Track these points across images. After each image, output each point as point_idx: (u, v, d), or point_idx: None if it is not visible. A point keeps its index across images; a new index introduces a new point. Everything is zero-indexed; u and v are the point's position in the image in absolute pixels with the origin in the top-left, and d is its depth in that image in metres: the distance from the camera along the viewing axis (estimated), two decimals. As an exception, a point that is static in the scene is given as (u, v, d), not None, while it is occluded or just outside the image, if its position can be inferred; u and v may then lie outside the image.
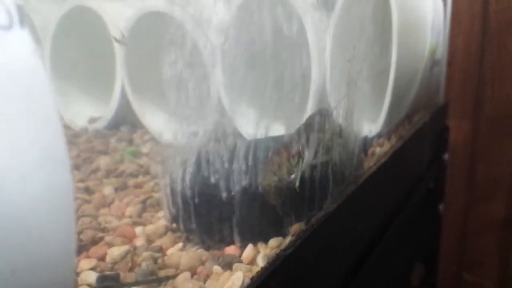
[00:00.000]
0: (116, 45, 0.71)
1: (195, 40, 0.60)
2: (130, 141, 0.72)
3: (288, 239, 0.40)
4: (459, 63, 1.06)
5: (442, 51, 0.92)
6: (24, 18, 0.23)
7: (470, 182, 1.09)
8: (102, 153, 0.67)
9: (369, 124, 0.63)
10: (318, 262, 0.42)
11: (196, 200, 0.38)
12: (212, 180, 0.38)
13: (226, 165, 0.38)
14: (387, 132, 0.65)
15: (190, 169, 0.39)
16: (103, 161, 0.63)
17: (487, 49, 1.04)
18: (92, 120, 0.77)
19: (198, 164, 0.40)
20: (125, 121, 0.76)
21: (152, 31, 0.67)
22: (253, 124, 0.56)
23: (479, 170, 1.08)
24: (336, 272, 0.48)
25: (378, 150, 0.61)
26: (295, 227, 0.41)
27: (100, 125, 0.76)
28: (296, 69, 0.48)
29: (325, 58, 0.58)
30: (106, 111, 0.75)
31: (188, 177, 0.39)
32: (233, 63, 0.57)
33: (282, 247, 0.39)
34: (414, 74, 0.72)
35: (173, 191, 0.41)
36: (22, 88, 0.22)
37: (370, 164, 0.56)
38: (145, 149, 0.68)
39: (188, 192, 0.39)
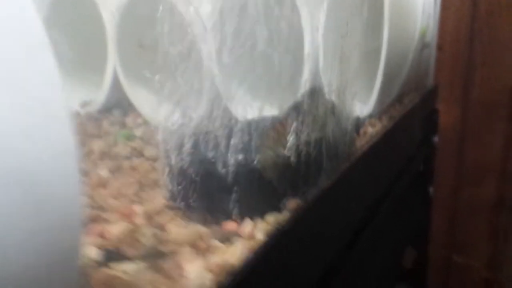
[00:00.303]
0: (108, 27, 0.71)
1: (188, 20, 0.60)
2: (123, 125, 0.72)
3: (285, 215, 0.41)
4: (449, 47, 1.07)
5: (432, 34, 0.92)
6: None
7: (459, 165, 1.10)
8: (95, 137, 0.67)
9: (361, 105, 0.64)
10: (313, 237, 0.43)
11: (194, 177, 0.38)
12: (210, 157, 0.38)
13: (222, 142, 0.39)
14: (379, 112, 0.65)
15: (187, 146, 0.40)
16: (96, 144, 0.63)
17: (477, 33, 1.05)
18: (84, 104, 0.77)
19: (195, 143, 0.40)
20: (117, 104, 0.76)
21: (144, 13, 0.67)
22: (246, 106, 0.57)
23: (468, 153, 1.09)
24: (330, 248, 0.48)
25: (370, 130, 0.62)
26: (292, 203, 0.42)
27: (92, 108, 0.75)
28: (289, 47, 0.48)
29: (318, 35, 0.58)
30: (98, 95, 0.75)
31: (185, 155, 0.39)
32: (226, 43, 0.57)
33: (280, 222, 0.39)
34: (405, 56, 0.73)
35: (170, 169, 0.41)
36: (21, 44, 0.22)
37: (362, 143, 0.57)
38: (138, 132, 0.68)
39: (186, 170, 0.39)
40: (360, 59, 0.55)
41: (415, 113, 0.80)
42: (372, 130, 0.62)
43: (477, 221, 1.11)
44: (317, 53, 0.58)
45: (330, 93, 0.48)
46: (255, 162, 0.38)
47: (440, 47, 1.03)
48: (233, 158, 0.38)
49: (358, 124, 0.58)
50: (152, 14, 0.62)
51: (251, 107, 0.56)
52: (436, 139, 0.99)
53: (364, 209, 0.59)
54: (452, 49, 1.07)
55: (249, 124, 0.41)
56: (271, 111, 0.49)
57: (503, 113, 1.05)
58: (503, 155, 1.06)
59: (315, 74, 0.58)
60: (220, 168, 0.38)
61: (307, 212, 0.40)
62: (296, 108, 0.47)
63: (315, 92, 0.48)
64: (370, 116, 0.63)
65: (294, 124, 0.44)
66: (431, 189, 1.01)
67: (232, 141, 0.39)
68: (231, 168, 0.38)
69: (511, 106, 1.04)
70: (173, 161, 0.41)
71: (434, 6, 0.90)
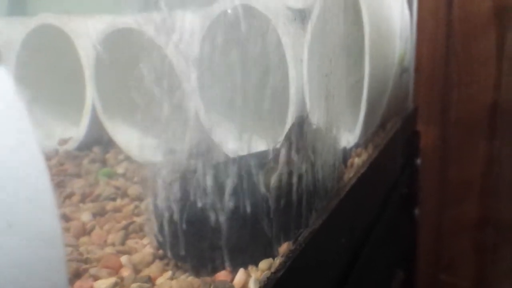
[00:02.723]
0: (84, 63, 0.69)
1: (168, 55, 0.59)
2: (104, 162, 0.70)
3: (278, 260, 0.39)
4: (425, 69, 1.09)
5: (409, 58, 0.93)
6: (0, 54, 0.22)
7: (442, 185, 1.11)
8: (75, 176, 0.65)
9: (347, 134, 0.63)
10: (307, 280, 0.42)
11: (184, 225, 0.37)
12: (199, 203, 0.37)
13: (212, 186, 0.37)
14: (364, 141, 0.65)
15: (175, 191, 0.38)
16: (76, 185, 0.61)
17: (452, 54, 1.06)
18: (62, 142, 0.75)
19: (183, 186, 0.39)
20: (97, 141, 0.74)
21: (121, 47, 0.66)
22: (234, 139, 0.56)
23: (450, 173, 1.10)
24: (325, 284, 0.47)
25: (356, 160, 0.61)
26: (284, 247, 0.41)
27: (71, 146, 0.73)
28: (274, 81, 0.47)
29: (302, 70, 0.57)
30: (76, 132, 0.73)
31: (174, 201, 0.38)
32: (209, 77, 0.56)
33: (272, 269, 0.38)
34: (386, 83, 0.73)
35: (158, 216, 0.39)
36: (4, 131, 0.21)
37: (350, 175, 0.57)
38: (120, 169, 0.66)
39: (175, 217, 0.37)
40: (344, 92, 0.55)
41: (397, 138, 0.81)
42: (359, 161, 0.61)
43: (462, 240, 1.11)
44: (301, 85, 0.58)
45: (318, 129, 0.48)
46: (246, 209, 0.37)
47: (417, 69, 1.04)
48: (225, 205, 0.36)
49: (346, 155, 0.57)
50: (130, 49, 0.60)
51: (238, 140, 0.55)
52: (418, 161, 0.99)
53: (354, 241, 0.58)
54: (429, 70, 1.09)
55: (239, 164, 0.40)
56: (260, 143, 0.49)
57: (482, 130, 1.06)
58: (484, 172, 1.08)
59: (301, 107, 0.58)
60: (210, 215, 0.37)
61: (300, 255, 0.39)
62: (287, 141, 0.46)
63: (303, 126, 0.48)
64: (357, 146, 0.62)
65: (284, 160, 0.43)
66: (416, 211, 1.01)
67: (221, 185, 0.38)
68: (222, 216, 0.36)
69: (489, 123, 1.05)
70: (160, 208, 0.40)
71: (410, 29, 0.91)
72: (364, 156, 0.63)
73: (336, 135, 0.52)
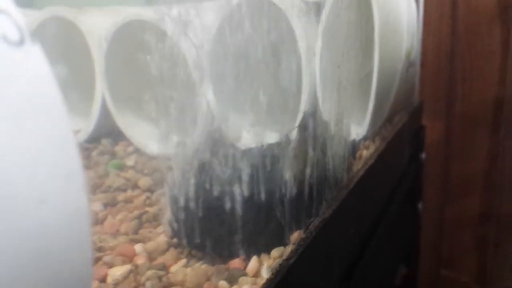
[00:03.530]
0: (95, 55, 0.69)
1: (180, 47, 0.59)
2: (113, 154, 0.70)
3: (289, 248, 0.40)
4: (430, 64, 1.09)
5: (416, 53, 0.93)
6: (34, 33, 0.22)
7: (445, 179, 1.11)
8: (84, 168, 0.65)
9: (356, 127, 0.64)
10: (317, 268, 0.43)
11: (200, 214, 0.38)
12: (215, 192, 0.38)
13: (227, 176, 0.38)
14: (372, 134, 0.65)
15: (191, 181, 0.39)
16: (87, 176, 0.61)
17: (457, 49, 1.06)
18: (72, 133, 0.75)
19: (197, 176, 0.39)
20: (106, 133, 0.74)
21: (133, 40, 0.66)
22: (245, 132, 0.56)
23: (453, 168, 1.10)
24: (334, 276, 0.48)
25: (365, 152, 0.62)
26: (295, 235, 0.41)
27: (80, 138, 0.74)
28: (286, 74, 0.48)
29: (315, 62, 0.58)
30: (86, 124, 0.73)
31: (189, 190, 0.38)
32: (222, 70, 0.56)
33: (284, 256, 0.39)
34: (394, 77, 0.74)
35: (173, 205, 0.40)
36: (38, 109, 0.21)
37: (358, 167, 0.57)
38: (129, 161, 0.66)
39: (190, 206, 0.38)
40: (355, 84, 0.55)
41: (404, 132, 0.81)
42: (367, 153, 0.62)
43: (464, 235, 1.12)
44: (314, 78, 0.58)
45: (329, 121, 0.48)
46: (260, 197, 0.38)
47: (423, 64, 1.04)
48: (239, 193, 0.37)
49: (355, 148, 0.58)
50: (141, 41, 0.61)
51: (250, 133, 0.55)
52: (423, 155, 0.99)
53: (362, 232, 0.59)
54: (434, 65, 1.09)
55: (253, 155, 0.41)
56: (271, 136, 0.49)
57: (486, 126, 1.06)
58: (487, 168, 1.08)
59: (313, 101, 0.58)
60: (225, 203, 0.37)
61: (310, 244, 0.39)
62: (301, 131, 0.47)
63: (315, 117, 0.48)
64: (365, 138, 0.63)
65: (297, 151, 0.44)
66: (420, 205, 1.02)
67: (236, 175, 0.38)
68: (237, 204, 0.37)
69: (493, 119, 1.05)
70: (174, 196, 0.40)
71: (417, 25, 0.91)
72: (372, 148, 0.64)
73: (346, 127, 0.53)
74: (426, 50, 1.06)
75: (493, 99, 1.04)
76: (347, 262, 0.53)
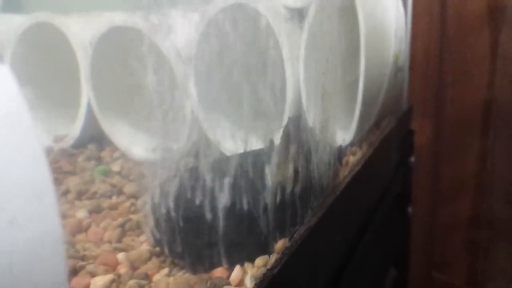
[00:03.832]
0: (80, 61, 0.69)
1: (165, 53, 0.59)
2: (99, 160, 0.70)
3: (274, 257, 0.40)
4: (419, 67, 1.09)
5: (404, 57, 0.94)
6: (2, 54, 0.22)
7: (435, 183, 1.12)
8: (70, 174, 0.65)
9: (342, 132, 0.64)
10: (302, 277, 0.42)
11: (181, 223, 0.37)
12: (197, 201, 0.37)
13: (209, 184, 0.38)
14: (359, 140, 0.65)
15: (172, 189, 0.38)
16: (72, 182, 0.61)
17: (446, 52, 1.07)
18: (58, 139, 0.75)
19: (180, 183, 0.39)
20: (92, 138, 0.74)
21: (119, 45, 0.66)
22: (230, 138, 0.56)
23: (443, 171, 1.11)
24: (319, 284, 0.48)
25: (351, 159, 0.62)
26: (280, 244, 0.41)
27: (66, 143, 0.73)
28: (271, 80, 0.47)
29: (299, 69, 0.58)
30: (72, 129, 0.73)
31: (171, 198, 0.38)
32: (206, 75, 0.56)
33: (268, 265, 0.39)
34: (381, 82, 0.74)
35: (155, 214, 0.40)
36: (7, 130, 0.21)
37: (345, 173, 0.57)
38: (115, 167, 0.66)
39: (172, 215, 0.38)
40: (341, 90, 0.55)
41: (392, 137, 0.81)
42: (354, 159, 0.61)
43: (455, 238, 1.12)
44: (298, 84, 0.58)
45: (314, 127, 0.48)
46: (243, 206, 0.37)
47: (411, 67, 1.04)
48: (222, 202, 0.37)
49: (341, 154, 0.58)
50: (127, 47, 0.60)
51: (235, 138, 0.55)
52: (412, 159, 0.99)
53: (349, 238, 0.59)
54: (423, 68, 1.09)
55: (237, 162, 0.40)
56: (256, 141, 0.49)
57: (475, 129, 1.07)
58: (477, 171, 1.08)
59: (298, 107, 0.58)
60: (207, 212, 0.37)
61: (295, 252, 0.39)
62: (284, 137, 0.46)
63: (299, 123, 0.48)
64: (352, 144, 0.62)
65: (281, 158, 0.43)
66: (409, 209, 1.02)
67: (219, 183, 0.38)
68: (219, 213, 0.37)
69: (482, 122, 1.06)
70: (157, 206, 0.40)
71: (405, 29, 0.91)
72: (359, 154, 0.64)
73: (332, 133, 0.52)
74: (415, 53, 1.06)
75: (483, 101, 1.04)
76: (333, 269, 0.53)
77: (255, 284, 0.35)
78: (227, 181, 0.37)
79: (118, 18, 0.63)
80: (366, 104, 0.64)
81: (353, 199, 0.58)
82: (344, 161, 0.59)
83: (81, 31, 0.69)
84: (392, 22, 0.76)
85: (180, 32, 0.59)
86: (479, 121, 1.05)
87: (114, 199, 0.55)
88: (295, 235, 0.41)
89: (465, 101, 1.06)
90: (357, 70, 0.63)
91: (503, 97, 1.01)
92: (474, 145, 1.07)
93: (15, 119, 0.21)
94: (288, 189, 0.42)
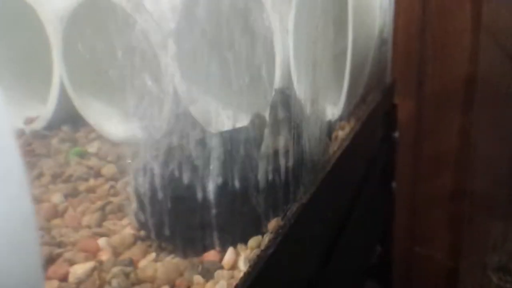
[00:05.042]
0: (51, 37, 0.65)
1: (143, 26, 0.55)
2: (74, 141, 0.66)
3: (267, 237, 0.37)
4: (401, 41, 1.07)
5: (388, 30, 0.92)
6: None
7: (417, 158, 1.11)
8: (43, 156, 0.61)
9: (331, 107, 0.61)
10: (295, 256, 0.40)
11: (169, 204, 0.34)
12: (185, 180, 0.34)
13: (198, 162, 0.35)
14: (347, 114, 0.63)
15: (157, 169, 0.35)
16: (46, 165, 0.57)
17: (428, 27, 1.05)
18: (29, 121, 0.70)
19: (165, 163, 0.36)
20: (66, 119, 0.70)
21: (93, 20, 0.61)
22: (216, 115, 0.53)
23: (425, 146, 1.10)
24: (312, 263, 0.46)
25: (340, 133, 0.60)
26: (273, 223, 0.39)
27: (38, 125, 0.69)
28: (258, 53, 0.45)
29: (288, 40, 0.55)
30: (44, 110, 0.68)
31: (156, 179, 0.35)
32: (188, 49, 0.53)
33: (262, 246, 0.36)
34: (367, 54, 0.71)
35: (139, 195, 0.37)
36: None
37: (334, 148, 0.55)
38: (91, 148, 0.62)
39: (158, 195, 0.35)
40: (329, 62, 0.53)
41: (378, 111, 0.79)
42: (342, 134, 0.59)
43: (437, 212, 1.12)
44: (287, 56, 0.55)
45: (305, 101, 0.45)
46: (235, 185, 0.35)
47: (394, 42, 1.03)
48: (212, 181, 0.34)
49: (330, 128, 0.56)
50: (100, 22, 0.56)
51: (220, 116, 0.52)
52: (396, 134, 0.98)
53: (339, 215, 0.57)
54: (405, 43, 1.07)
55: (225, 139, 0.37)
56: (243, 118, 0.46)
57: (457, 104, 1.06)
58: (458, 145, 1.08)
59: (287, 76, 0.55)
60: (196, 192, 0.34)
61: (289, 231, 0.37)
62: (272, 112, 0.44)
63: (289, 95, 0.45)
64: (340, 118, 0.60)
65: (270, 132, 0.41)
66: (393, 184, 1.01)
67: (208, 161, 0.35)
68: (210, 192, 0.34)
69: (464, 97, 1.05)
70: (140, 185, 0.37)
71: (389, 1, 0.89)
72: (347, 129, 0.62)
73: (322, 107, 0.50)
74: (397, 28, 1.04)
75: (464, 76, 1.03)
76: (324, 247, 0.51)
77: (249, 267, 0.32)
78: (216, 158, 0.34)
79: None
80: (353, 76, 0.62)
81: (342, 175, 0.56)
82: (333, 136, 0.57)
83: (52, 5, 0.65)
84: (377, -8, 0.74)
85: (160, 4, 0.55)
86: (461, 97, 1.05)
87: (92, 182, 0.52)
88: (287, 214, 0.39)
89: (446, 76, 1.05)
90: (343, 41, 0.61)
91: (485, 72, 1.01)
92: (455, 120, 1.06)
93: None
94: (280, 165, 0.40)
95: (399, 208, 1.11)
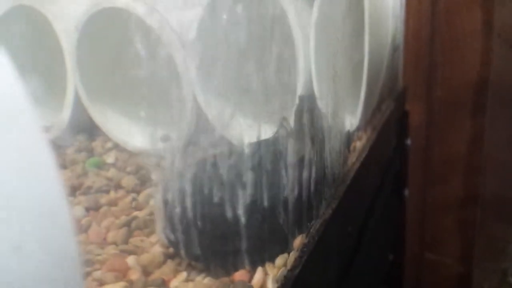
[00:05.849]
0: (65, 46, 0.64)
1: (161, 35, 0.55)
2: (90, 151, 0.65)
3: (293, 255, 0.37)
4: (411, 47, 1.07)
5: (400, 36, 0.91)
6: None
7: (428, 163, 1.10)
8: (60, 167, 0.61)
9: (350, 117, 0.61)
10: (320, 271, 0.40)
11: (199, 223, 0.34)
12: (215, 198, 0.34)
13: (228, 179, 0.34)
14: (364, 124, 0.63)
15: (187, 184, 0.35)
16: (63, 176, 0.57)
17: (437, 31, 1.04)
18: (44, 130, 0.70)
19: (195, 178, 0.36)
20: (82, 128, 0.69)
21: (108, 29, 0.61)
22: (240, 126, 0.53)
23: (435, 152, 1.09)
24: (333, 276, 0.46)
25: (358, 144, 0.59)
26: (298, 240, 0.38)
27: (53, 135, 0.69)
28: (280, 62, 0.44)
29: (310, 50, 0.54)
30: (59, 119, 0.68)
31: (186, 195, 0.35)
32: (209, 59, 0.53)
33: (288, 265, 0.36)
34: (381, 62, 0.71)
35: (168, 212, 0.36)
36: (12, 125, 0.17)
37: (353, 160, 0.55)
38: (109, 158, 0.62)
39: (189, 213, 0.34)
40: (349, 72, 0.53)
41: (391, 119, 0.79)
42: (360, 144, 0.59)
43: (447, 218, 1.12)
44: (310, 69, 0.55)
45: (326, 112, 0.45)
46: (264, 203, 0.35)
47: (405, 48, 1.02)
48: (243, 199, 0.34)
49: (349, 139, 0.55)
50: (117, 31, 0.56)
51: (242, 126, 0.52)
52: (408, 141, 0.98)
53: (357, 228, 0.57)
54: (415, 48, 1.07)
55: (254, 152, 0.37)
56: (267, 130, 0.46)
57: (467, 109, 1.05)
58: (468, 151, 1.07)
59: (309, 85, 0.55)
60: (227, 211, 0.34)
61: (314, 249, 0.37)
62: (297, 121, 0.43)
63: (312, 105, 0.45)
64: (358, 128, 0.60)
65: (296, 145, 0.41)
66: (406, 191, 1.01)
67: (242, 178, 0.35)
68: (240, 211, 0.34)
69: (474, 101, 1.05)
70: (170, 203, 0.36)
71: (400, 7, 0.89)
72: (364, 139, 0.61)
73: (342, 118, 0.50)
74: (407, 34, 1.04)
75: (475, 81, 1.03)
76: (344, 260, 0.51)
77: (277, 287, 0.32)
78: (249, 175, 0.34)
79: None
80: (370, 85, 0.61)
81: (361, 187, 0.56)
82: (352, 147, 0.57)
83: (65, 14, 0.65)
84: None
85: (179, 12, 0.55)
86: (471, 101, 1.04)
87: (113, 194, 0.52)
88: (311, 230, 0.39)
89: (456, 81, 1.05)
90: (359, 50, 0.61)
91: (498, 76, 1.00)
92: (465, 125, 1.06)
93: (16, 116, 0.18)
94: (304, 178, 0.40)
95: (409, 213, 1.11)
